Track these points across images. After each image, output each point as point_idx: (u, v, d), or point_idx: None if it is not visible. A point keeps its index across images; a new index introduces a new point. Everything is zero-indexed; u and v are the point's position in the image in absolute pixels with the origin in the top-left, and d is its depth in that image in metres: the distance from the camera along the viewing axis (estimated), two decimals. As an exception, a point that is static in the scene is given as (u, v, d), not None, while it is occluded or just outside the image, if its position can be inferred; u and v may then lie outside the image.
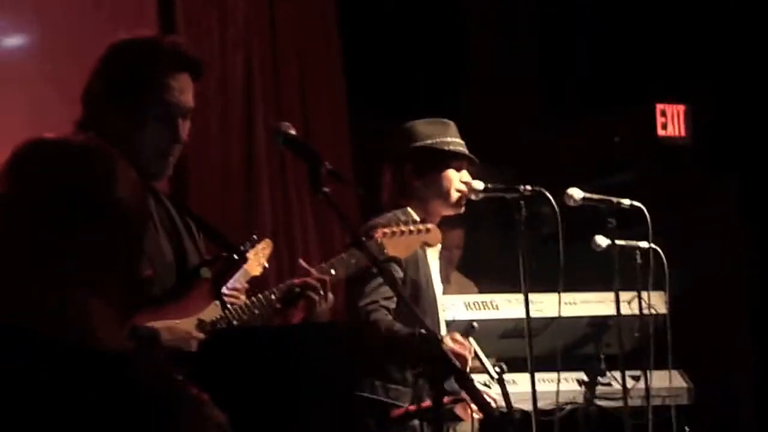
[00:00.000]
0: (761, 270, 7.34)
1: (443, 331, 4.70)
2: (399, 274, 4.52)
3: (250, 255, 3.58)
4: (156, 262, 3.17)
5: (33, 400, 1.65)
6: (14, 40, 5.99)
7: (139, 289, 1.88)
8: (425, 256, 4.65)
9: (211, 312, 3.26)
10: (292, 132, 3.43)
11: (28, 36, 6.03)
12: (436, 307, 4.69)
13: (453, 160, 4.74)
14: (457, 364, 4.30)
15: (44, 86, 5.81)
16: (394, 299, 4.44)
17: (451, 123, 4.84)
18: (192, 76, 3.35)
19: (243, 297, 3.45)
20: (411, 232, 4.14)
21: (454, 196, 4.73)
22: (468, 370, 4.37)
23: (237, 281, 3.55)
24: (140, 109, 3.25)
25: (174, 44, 3.40)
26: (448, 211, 4.75)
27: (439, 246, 4.69)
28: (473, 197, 4.80)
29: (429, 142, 4.74)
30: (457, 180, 4.74)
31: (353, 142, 6.82)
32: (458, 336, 4.47)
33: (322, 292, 3.45)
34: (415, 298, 4.51)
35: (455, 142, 4.77)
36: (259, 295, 3.45)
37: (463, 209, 4.78)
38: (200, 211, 6.05)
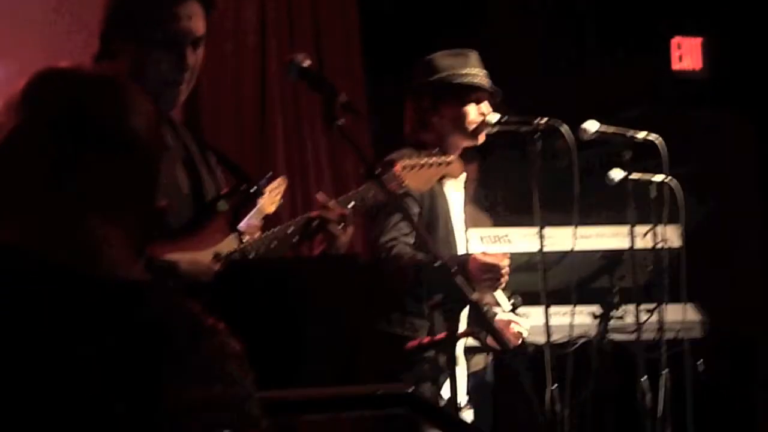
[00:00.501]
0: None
1: None
2: (415, 209, 4.51)
3: (265, 192, 3.56)
4: (172, 194, 3.16)
5: (38, 328, 1.64)
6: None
7: (155, 219, 1.86)
8: (442, 190, 4.65)
9: (228, 245, 3.25)
10: (307, 63, 3.41)
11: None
12: (454, 241, 4.68)
13: (469, 92, 4.73)
14: (489, 282, 4.35)
15: (60, 18, 5.79)
16: (413, 234, 4.45)
17: (472, 53, 4.81)
18: (202, 4, 3.30)
19: (258, 233, 3.43)
20: (431, 165, 4.11)
21: (470, 127, 4.72)
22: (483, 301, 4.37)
23: (252, 218, 3.54)
24: (147, 36, 3.22)
25: None
26: (467, 143, 4.75)
27: (463, 178, 4.70)
28: (489, 129, 4.79)
29: (445, 74, 4.73)
30: (474, 112, 4.73)
31: (368, 79, 6.79)
32: (490, 252, 4.47)
33: (341, 225, 3.41)
34: (430, 233, 4.50)
35: (472, 73, 4.75)
36: (276, 229, 3.43)
37: (481, 140, 4.77)
38: (213, 142, 6.10)
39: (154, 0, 3.25)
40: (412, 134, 4.74)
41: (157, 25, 3.22)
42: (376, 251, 4.49)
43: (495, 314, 4.88)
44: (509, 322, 4.87)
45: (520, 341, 4.84)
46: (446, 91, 4.72)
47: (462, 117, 4.72)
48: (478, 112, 4.73)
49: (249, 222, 3.43)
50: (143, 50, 3.22)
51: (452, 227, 4.68)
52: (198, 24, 3.28)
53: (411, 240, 4.49)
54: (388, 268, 4.45)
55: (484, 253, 4.51)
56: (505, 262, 4.43)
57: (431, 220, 4.59)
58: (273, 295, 2.93)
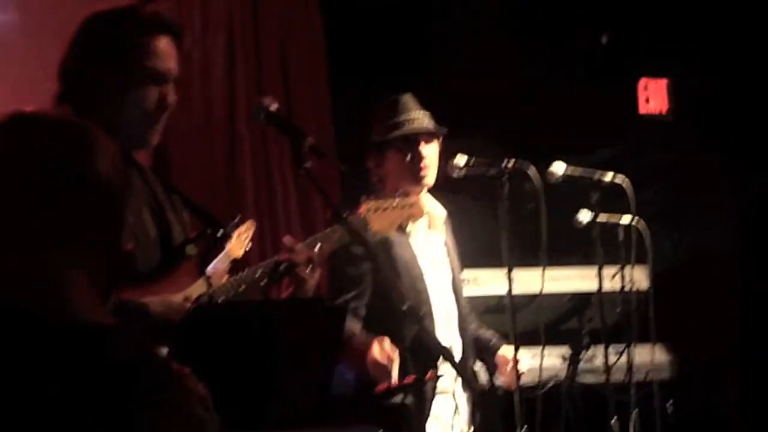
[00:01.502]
0: (743, 244, 7.36)
1: (441, 308, 4.72)
2: (362, 266, 4.56)
3: (233, 234, 3.56)
4: (140, 238, 3.15)
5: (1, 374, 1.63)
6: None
7: (120, 262, 1.86)
8: (402, 238, 4.67)
9: (197, 289, 3.24)
10: (275, 107, 3.42)
11: (12, 12, 5.99)
12: (423, 287, 4.68)
13: (402, 139, 4.76)
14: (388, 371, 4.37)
15: (28, 62, 5.78)
16: (365, 295, 4.50)
17: (405, 96, 4.85)
18: (174, 40, 3.30)
19: (226, 277, 3.43)
20: (395, 207, 4.16)
21: (409, 174, 4.74)
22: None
23: (220, 261, 3.54)
24: (125, 75, 3.20)
25: (153, 10, 3.38)
26: (417, 188, 4.74)
27: (442, 218, 4.79)
28: (455, 174, 4.82)
29: (377, 128, 4.80)
30: (417, 159, 4.74)
31: (336, 115, 6.80)
32: (386, 344, 4.48)
33: (309, 268, 3.42)
34: (390, 285, 4.50)
35: (402, 121, 4.78)
36: (244, 272, 3.44)
37: (428, 183, 4.77)
38: (182, 189, 6.08)
39: (129, 38, 3.23)
40: (374, 193, 4.76)
41: (135, 63, 3.21)
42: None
43: (498, 347, 4.89)
44: (508, 360, 4.83)
45: (515, 382, 4.78)
46: (381, 146, 4.79)
47: (397, 165, 4.75)
48: (418, 156, 4.74)
49: (216, 266, 3.43)
50: (119, 89, 3.20)
51: (420, 273, 4.69)
52: (173, 62, 3.28)
53: (362, 302, 4.57)
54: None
55: (380, 345, 4.50)
56: (395, 356, 4.43)
57: (390, 269, 4.59)
58: (241, 339, 2.92)
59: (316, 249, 3.61)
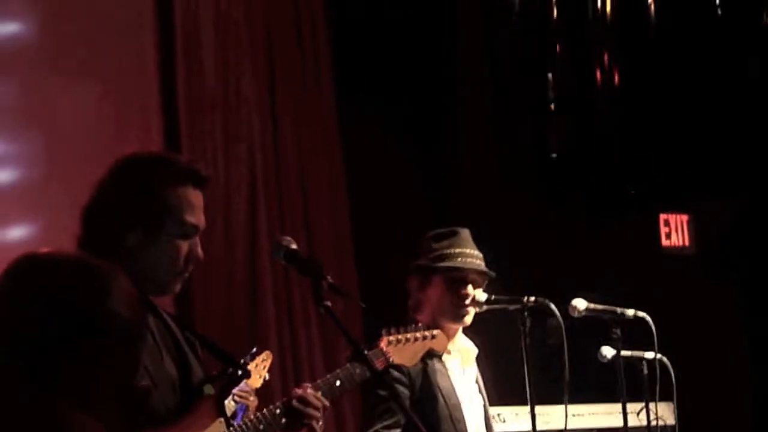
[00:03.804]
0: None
1: None
2: (404, 391, 4.50)
3: (250, 368, 3.56)
4: (158, 379, 3.12)
5: None
6: (24, 172, 6.01)
7: (136, 403, 1.85)
8: (439, 366, 4.64)
9: (215, 429, 3.22)
10: (293, 246, 3.42)
11: (37, 152, 6.06)
12: (462, 417, 4.64)
13: (452, 273, 4.75)
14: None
15: (58, 207, 5.81)
16: (400, 423, 4.44)
17: (462, 231, 4.85)
18: (203, 192, 3.25)
19: (253, 397, 3.42)
20: (416, 339, 4.15)
21: (449, 310, 4.73)
22: None
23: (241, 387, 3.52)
24: (157, 226, 3.13)
25: (188, 161, 3.32)
26: (452, 324, 4.74)
27: (473, 354, 4.78)
28: (477, 309, 4.80)
29: (430, 256, 4.77)
30: (461, 296, 4.73)
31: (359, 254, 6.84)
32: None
33: (319, 415, 3.42)
34: (428, 411, 4.47)
35: (455, 253, 4.77)
36: (264, 411, 3.42)
37: (465, 322, 4.77)
38: (204, 325, 6.09)
39: (164, 190, 3.16)
40: (410, 314, 4.76)
41: (170, 216, 3.14)
42: None
43: None
44: None
45: None
46: (431, 272, 4.77)
47: (438, 298, 4.74)
48: (463, 294, 4.75)
49: (241, 387, 3.39)
50: (150, 238, 3.13)
51: (458, 403, 4.65)
52: (202, 215, 3.24)
53: (398, 427, 4.48)
54: None
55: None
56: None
57: (425, 398, 4.56)
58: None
59: (338, 384, 3.62)
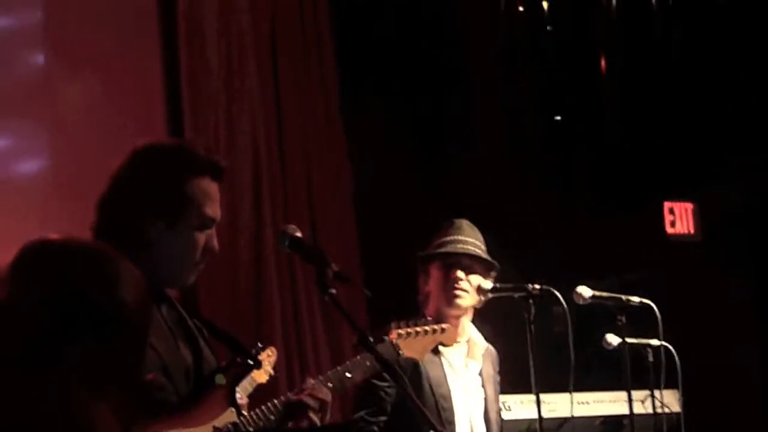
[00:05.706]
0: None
1: None
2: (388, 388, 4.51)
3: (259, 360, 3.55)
4: (173, 366, 3.10)
5: None
6: (29, 163, 6.00)
7: (142, 394, 1.85)
8: (434, 359, 4.64)
9: (226, 419, 3.21)
10: (298, 234, 3.41)
11: (42, 157, 6.04)
12: (451, 408, 4.65)
13: (449, 259, 4.76)
14: None
15: (59, 206, 5.80)
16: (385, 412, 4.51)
17: (461, 222, 4.87)
18: (219, 183, 3.23)
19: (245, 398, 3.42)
20: (426, 332, 4.15)
21: (443, 295, 4.74)
22: None
23: (242, 388, 3.52)
24: (176, 217, 3.11)
25: (207, 152, 3.27)
26: (449, 310, 4.74)
27: (481, 350, 4.80)
28: (482, 297, 4.81)
29: (429, 245, 4.82)
30: (452, 280, 4.74)
31: (363, 244, 6.83)
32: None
33: (320, 412, 3.41)
34: (419, 397, 4.48)
35: (448, 240, 4.79)
36: (275, 401, 3.42)
37: (459, 305, 4.76)
38: (209, 318, 6.07)
39: (186, 182, 3.13)
40: (420, 309, 4.77)
41: (191, 209, 3.12)
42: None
43: None
44: None
45: None
46: (427, 263, 4.82)
47: (436, 285, 4.75)
48: (453, 278, 4.74)
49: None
50: (169, 230, 3.11)
51: (447, 392, 4.65)
52: (219, 208, 3.22)
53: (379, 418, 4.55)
54: None
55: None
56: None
57: (417, 387, 4.56)
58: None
59: (348, 376, 3.62)
